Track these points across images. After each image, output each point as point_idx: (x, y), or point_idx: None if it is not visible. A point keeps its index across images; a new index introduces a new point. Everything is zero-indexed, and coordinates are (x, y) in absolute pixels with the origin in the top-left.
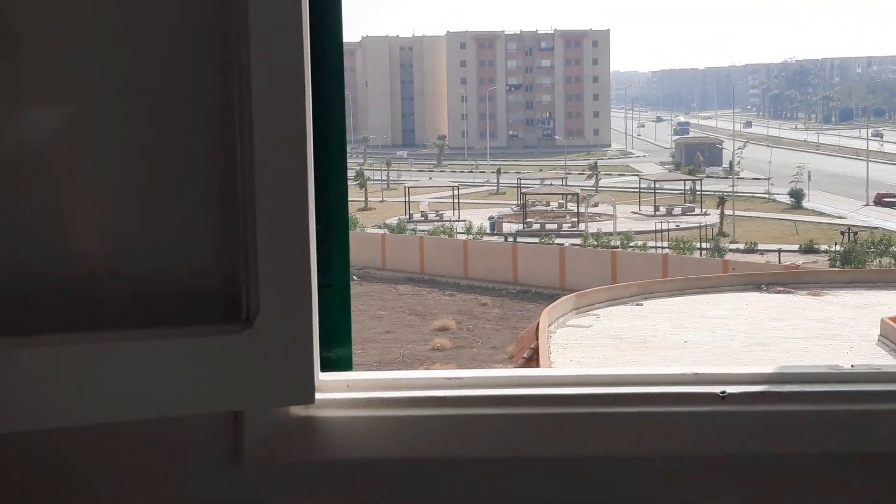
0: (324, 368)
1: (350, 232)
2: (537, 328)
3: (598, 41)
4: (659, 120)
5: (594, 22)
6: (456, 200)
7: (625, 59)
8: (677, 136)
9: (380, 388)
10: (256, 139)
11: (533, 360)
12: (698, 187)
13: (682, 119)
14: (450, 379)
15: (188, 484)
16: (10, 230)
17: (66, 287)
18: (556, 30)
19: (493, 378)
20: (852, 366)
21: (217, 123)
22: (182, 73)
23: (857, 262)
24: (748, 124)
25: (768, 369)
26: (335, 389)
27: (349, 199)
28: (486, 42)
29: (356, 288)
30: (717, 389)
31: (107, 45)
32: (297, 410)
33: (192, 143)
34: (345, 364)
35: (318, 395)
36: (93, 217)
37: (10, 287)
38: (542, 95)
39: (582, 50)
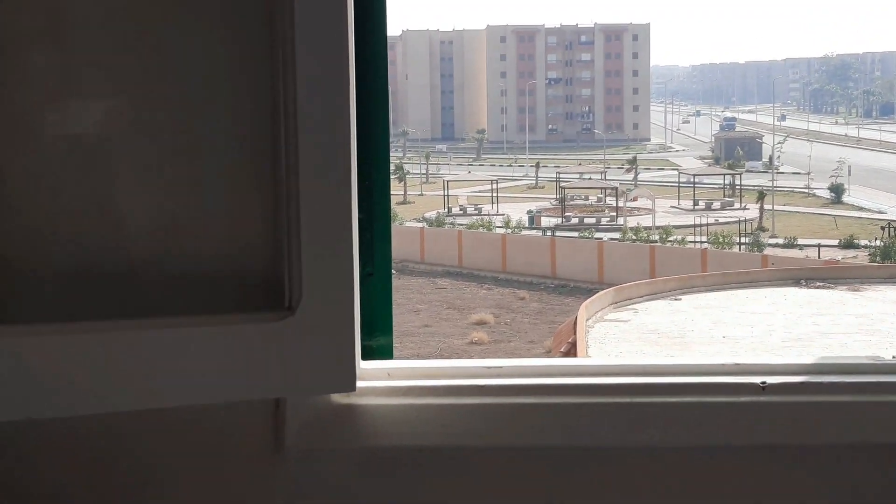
0: (365, 357)
1: None
2: (575, 322)
3: (637, 35)
4: (698, 114)
5: (634, 16)
6: (494, 194)
7: (665, 53)
8: (723, 132)
9: (420, 377)
10: (301, 129)
11: (570, 354)
12: (738, 182)
13: (727, 114)
14: (489, 368)
15: (230, 470)
16: (60, 218)
17: (115, 273)
18: (596, 24)
19: (532, 367)
20: (893, 357)
21: (263, 113)
22: (229, 64)
23: None
24: (782, 118)
25: (808, 360)
26: (376, 377)
27: None
28: (525, 36)
29: (394, 281)
30: (757, 380)
31: (154, 36)
32: (339, 398)
33: (238, 133)
34: (386, 352)
35: (359, 383)
36: (141, 206)
37: (61, 273)
38: (582, 89)
39: (622, 44)
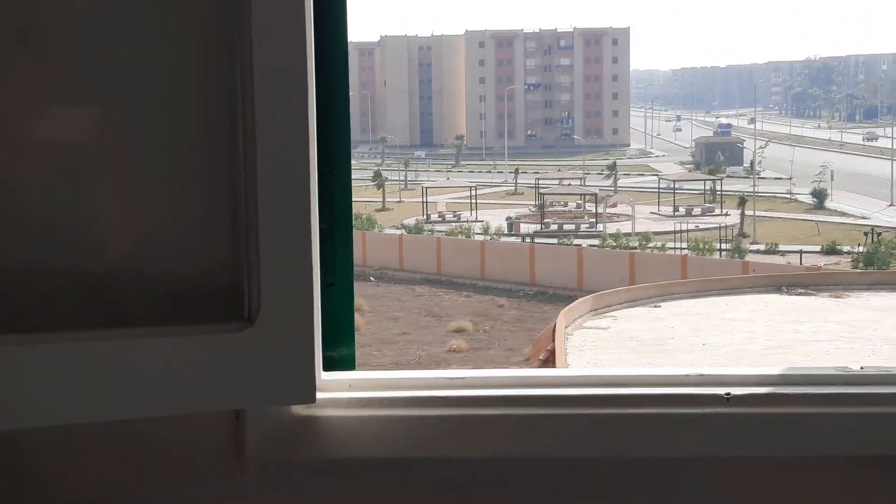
0: (327, 368)
1: (367, 232)
2: (554, 330)
3: (617, 39)
4: (679, 119)
5: (614, 20)
6: (473, 201)
7: (645, 57)
8: (706, 138)
9: (381, 388)
10: (259, 138)
11: (549, 361)
12: (718, 187)
13: (723, 120)
14: (451, 379)
15: (190, 481)
16: (33, 227)
17: (80, 283)
18: (575, 28)
19: (495, 378)
20: (861, 367)
21: (222, 122)
22: (188, 76)
23: (880, 263)
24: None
25: (774, 371)
26: (337, 389)
27: (367, 199)
28: (504, 41)
29: (373, 289)
30: (721, 391)
31: (127, 45)
32: (299, 409)
33: (197, 142)
34: (348, 363)
35: (319, 395)
36: (111, 216)
37: (30, 284)
38: (561, 94)
39: (601, 48)
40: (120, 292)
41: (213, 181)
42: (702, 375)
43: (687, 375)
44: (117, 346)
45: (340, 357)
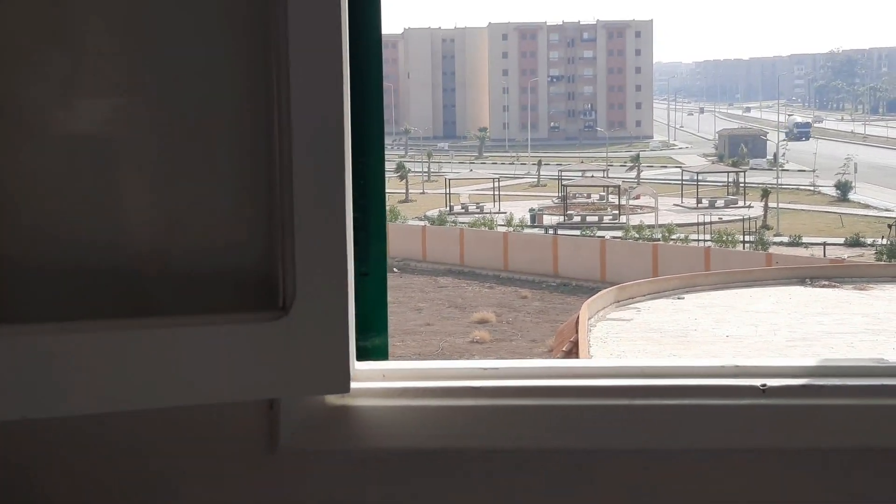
0: (360, 357)
1: (391, 224)
2: (577, 321)
3: (640, 31)
4: (702, 111)
5: (637, 12)
6: (496, 192)
7: (668, 49)
8: (798, 140)
9: (415, 378)
10: (295, 128)
11: (572, 353)
12: (742, 179)
13: (798, 119)
14: (485, 369)
15: (224, 471)
16: (63, 216)
17: (114, 273)
18: (598, 20)
19: (529, 369)
20: None
21: (257, 112)
22: (225, 64)
23: None
24: (790, 118)
25: (810, 362)
26: (370, 379)
27: (390, 190)
28: (528, 33)
29: (396, 280)
30: (757, 382)
31: (155, 36)
32: (333, 399)
33: (233, 132)
34: (381, 353)
35: (353, 385)
36: (140, 205)
37: (65, 274)
38: (584, 86)
39: (625, 40)
40: (155, 282)
41: (248, 172)
42: (737, 367)
43: (722, 367)
44: (152, 336)
45: (373, 347)
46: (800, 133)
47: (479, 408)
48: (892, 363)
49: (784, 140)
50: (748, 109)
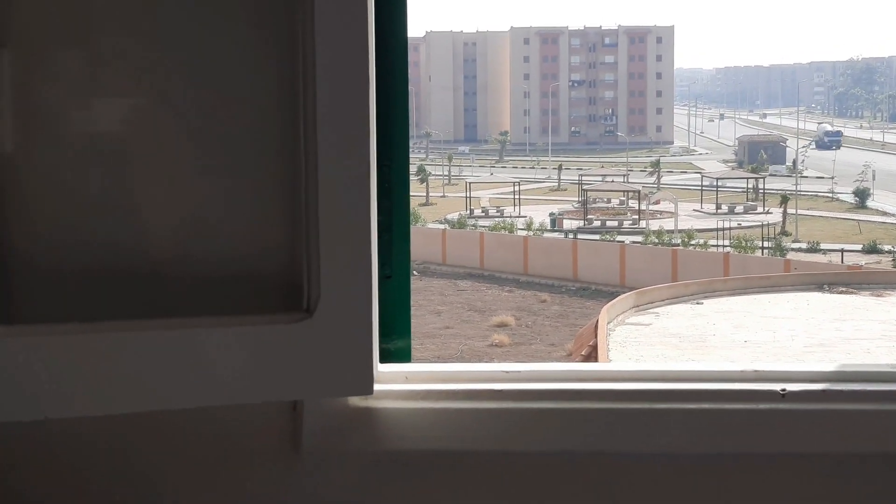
0: (382, 359)
1: (411, 227)
2: (596, 326)
3: (662, 37)
4: (722, 117)
5: (658, 18)
6: (517, 196)
7: (689, 55)
8: (828, 149)
9: (438, 381)
10: (321, 131)
11: (591, 357)
12: (761, 185)
13: (828, 127)
14: (507, 372)
15: (247, 472)
16: (84, 216)
17: (136, 273)
18: (620, 26)
19: (551, 372)
20: None
21: (283, 114)
22: (250, 66)
23: None
24: (822, 128)
25: (830, 367)
26: (393, 381)
27: (411, 193)
28: (549, 38)
29: (416, 283)
30: (777, 387)
31: (179, 35)
32: (356, 401)
33: (259, 133)
34: (403, 355)
35: (376, 387)
36: (163, 206)
37: (82, 272)
38: (605, 92)
39: (646, 46)
40: (179, 283)
41: (273, 173)
42: (756, 371)
43: (742, 371)
44: (176, 336)
45: (396, 349)
46: (830, 142)
47: (501, 410)
48: None
49: (812, 148)
50: (765, 116)
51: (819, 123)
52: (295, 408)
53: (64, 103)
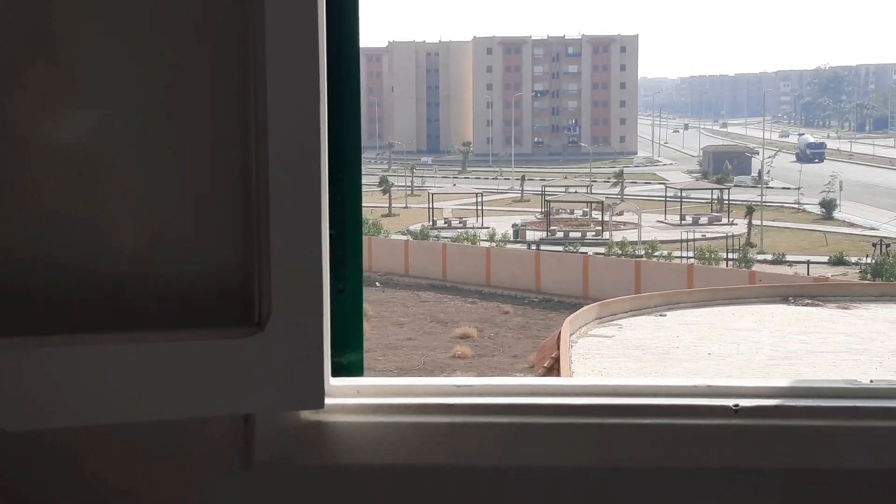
0: (335, 373)
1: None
2: (559, 337)
3: (626, 46)
4: (686, 127)
5: (623, 27)
6: (479, 207)
7: (653, 64)
8: (810, 162)
9: (389, 395)
10: (271, 144)
11: (554, 369)
12: (726, 196)
13: (810, 139)
14: (459, 386)
15: (198, 486)
16: (46, 229)
17: (94, 288)
18: (583, 35)
19: (503, 386)
20: (871, 381)
21: (234, 128)
22: (200, 81)
23: (888, 275)
24: (785, 134)
25: (783, 383)
26: (345, 394)
27: (373, 204)
28: (512, 47)
29: (378, 294)
30: (730, 402)
31: (139, 50)
32: (308, 415)
33: (209, 148)
34: (356, 369)
35: (328, 400)
36: (122, 220)
37: (41, 286)
38: (569, 101)
39: (609, 56)
40: (131, 297)
41: (224, 186)
42: (710, 386)
43: (695, 386)
44: (127, 350)
45: (349, 363)
46: (813, 154)
47: (453, 424)
48: (864, 385)
49: (792, 161)
50: (724, 125)
51: (800, 134)
52: (247, 422)
53: (25, 117)
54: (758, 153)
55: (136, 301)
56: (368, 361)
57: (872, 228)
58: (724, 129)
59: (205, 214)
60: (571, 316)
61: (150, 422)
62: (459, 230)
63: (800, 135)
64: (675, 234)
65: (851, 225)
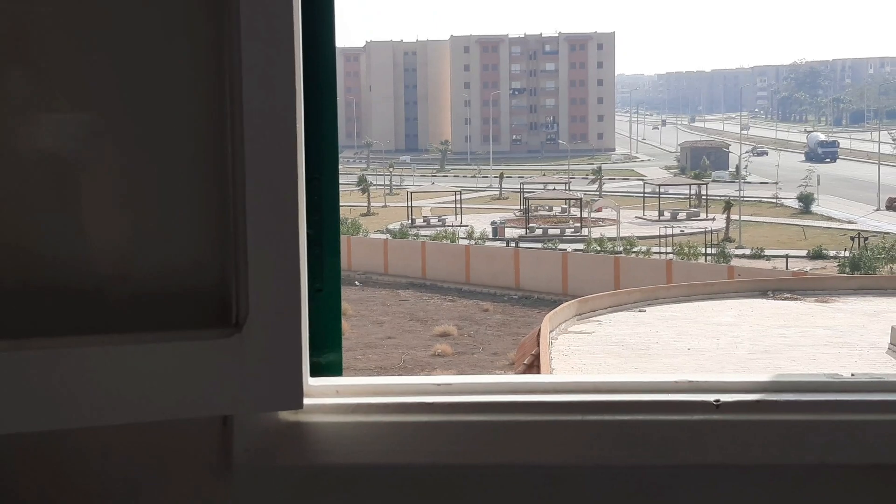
0: (314, 373)
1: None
2: (539, 334)
3: (602, 44)
4: (664, 123)
5: (599, 24)
6: (458, 205)
7: (630, 61)
8: (821, 162)
9: (368, 394)
10: (248, 144)
11: (534, 366)
12: (704, 192)
13: (821, 137)
14: (438, 385)
15: (177, 488)
16: (23, 234)
17: (71, 290)
18: (560, 33)
19: (482, 384)
20: (852, 374)
21: (210, 129)
22: (176, 84)
23: (867, 268)
24: (745, 127)
25: (764, 377)
26: (324, 394)
27: (352, 203)
28: (489, 46)
29: (358, 293)
30: (711, 398)
31: (113, 53)
32: (286, 415)
33: (189, 150)
34: (335, 369)
35: (306, 401)
36: (100, 223)
37: (19, 290)
38: (546, 99)
39: (586, 53)
40: (108, 298)
41: (201, 188)
42: (691, 382)
43: (676, 382)
44: (105, 352)
45: (327, 363)
46: (825, 153)
47: (433, 423)
48: (846, 379)
49: (801, 161)
50: (694, 120)
51: (810, 132)
52: (225, 423)
53: (4, 120)
54: (729, 147)
55: (114, 303)
56: (348, 360)
57: (850, 222)
58: (705, 126)
59: (182, 216)
60: (551, 313)
61: (128, 424)
62: (438, 228)
63: (809, 132)
64: (654, 230)
65: (829, 219)
